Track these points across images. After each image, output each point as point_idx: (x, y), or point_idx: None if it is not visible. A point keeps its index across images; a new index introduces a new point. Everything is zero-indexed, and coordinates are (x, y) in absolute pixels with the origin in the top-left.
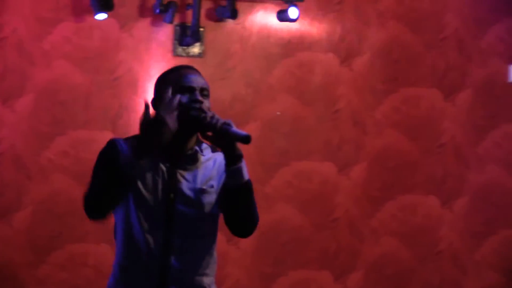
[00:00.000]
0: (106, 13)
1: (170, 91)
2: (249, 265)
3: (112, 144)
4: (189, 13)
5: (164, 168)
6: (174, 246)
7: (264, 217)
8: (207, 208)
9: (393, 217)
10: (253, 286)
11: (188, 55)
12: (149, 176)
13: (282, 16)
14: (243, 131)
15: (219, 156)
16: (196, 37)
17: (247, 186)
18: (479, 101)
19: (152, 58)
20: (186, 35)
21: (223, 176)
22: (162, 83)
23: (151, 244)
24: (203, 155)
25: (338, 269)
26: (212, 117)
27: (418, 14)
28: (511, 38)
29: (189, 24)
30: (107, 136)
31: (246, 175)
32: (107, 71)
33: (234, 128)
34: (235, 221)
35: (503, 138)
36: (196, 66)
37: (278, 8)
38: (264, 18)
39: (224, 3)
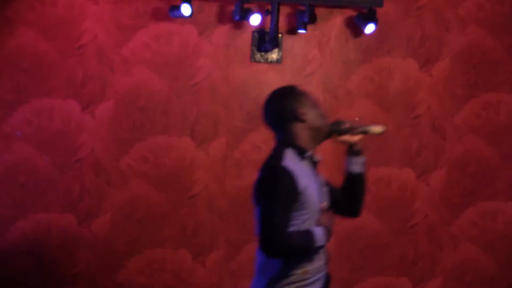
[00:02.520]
0: (188, 4)
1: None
2: (328, 271)
3: (290, 174)
4: (267, 19)
5: (312, 173)
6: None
7: (342, 223)
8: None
9: (473, 223)
10: None
11: (266, 61)
12: (310, 182)
13: (360, 21)
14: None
15: None
16: (274, 43)
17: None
18: None
19: (230, 64)
20: (264, 41)
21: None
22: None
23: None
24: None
25: (417, 275)
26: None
27: (498, 18)
28: None
29: (267, 30)
30: (186, 142)
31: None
32: (186, 77)
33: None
34: (357, 204)
35: None
36: (274, 72)
37: (356, 13)
38: (342, 24)
39: (302, 8)
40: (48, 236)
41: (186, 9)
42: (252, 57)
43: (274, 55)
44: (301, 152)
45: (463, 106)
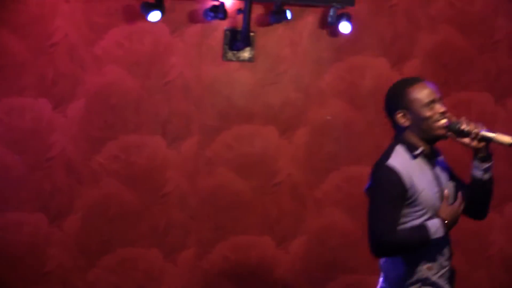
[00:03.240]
0: (160, 11)
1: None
2: (298, 269)
3: (394, 172)
4: (240, 18)
5: (429, 168)
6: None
7: (314, 221)
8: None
9: None
10: None
11: (238, 60)
12: (423, 177)
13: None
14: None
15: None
16: (247, 41)
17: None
18: None
19: (202, 62)
20: (237, 40)
21: (451, 171)
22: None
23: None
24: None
25: None
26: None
27: (469, 17)
28: None
29: (240, 29)
30: (158, 140)
31: None
32: (157, 76)
33: (492, 134)
34: (480, 208)
35: None
36: (246, 70)
37: (328, 12)
38: (315, 23)
39: (275, 7)
40: (19, 235)
41: (154, 16)
42: (224, 55)
43: (246, 53)
44: (411, 149)
45: None
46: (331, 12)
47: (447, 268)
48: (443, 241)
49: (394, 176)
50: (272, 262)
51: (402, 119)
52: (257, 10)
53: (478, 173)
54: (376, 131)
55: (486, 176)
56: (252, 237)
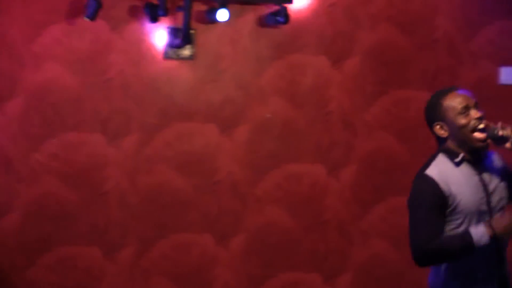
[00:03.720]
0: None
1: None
2: (238, 267)
3: (431, 181)
4: (181, 15)
5: (474, 173)
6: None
7: (254, 219)
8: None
9: (383, 219)
10: None
11: (179, 57)
12: (465, 184)
13: (273, 18)
14: None
15: (490, 153)
16: (187, 39)
17: None
18: None
19: (142, 60)
20: (177, 38)
21: (503, 170)
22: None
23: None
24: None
25: (327, 271)
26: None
27: (409, 16)
28: (501, 41)
29: (180, 26)
30: (98, 138)
31: None
32: (97, 73)
33: None
34: None
35: None
36: (187, 68)
37: (269, 10)
38: (255, 20)
39: (215, 5)
40: None
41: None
42: (164, 53)
43: (186, 51)
44: (452, 157)
45: (374, 102)
46: (278, 11)
47: (495, 276)
48: (491, 248)
49: (430, 185)
50: (212, 259)
51: (440, 130)
52: (198, 7)
53: None
54: (316, 129)
55: None
56: (192, 235)
